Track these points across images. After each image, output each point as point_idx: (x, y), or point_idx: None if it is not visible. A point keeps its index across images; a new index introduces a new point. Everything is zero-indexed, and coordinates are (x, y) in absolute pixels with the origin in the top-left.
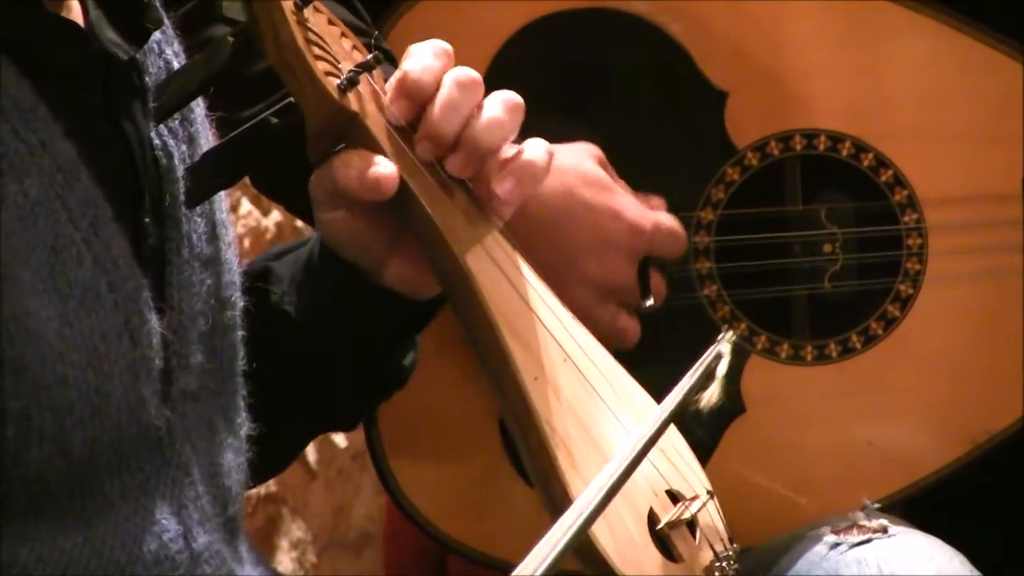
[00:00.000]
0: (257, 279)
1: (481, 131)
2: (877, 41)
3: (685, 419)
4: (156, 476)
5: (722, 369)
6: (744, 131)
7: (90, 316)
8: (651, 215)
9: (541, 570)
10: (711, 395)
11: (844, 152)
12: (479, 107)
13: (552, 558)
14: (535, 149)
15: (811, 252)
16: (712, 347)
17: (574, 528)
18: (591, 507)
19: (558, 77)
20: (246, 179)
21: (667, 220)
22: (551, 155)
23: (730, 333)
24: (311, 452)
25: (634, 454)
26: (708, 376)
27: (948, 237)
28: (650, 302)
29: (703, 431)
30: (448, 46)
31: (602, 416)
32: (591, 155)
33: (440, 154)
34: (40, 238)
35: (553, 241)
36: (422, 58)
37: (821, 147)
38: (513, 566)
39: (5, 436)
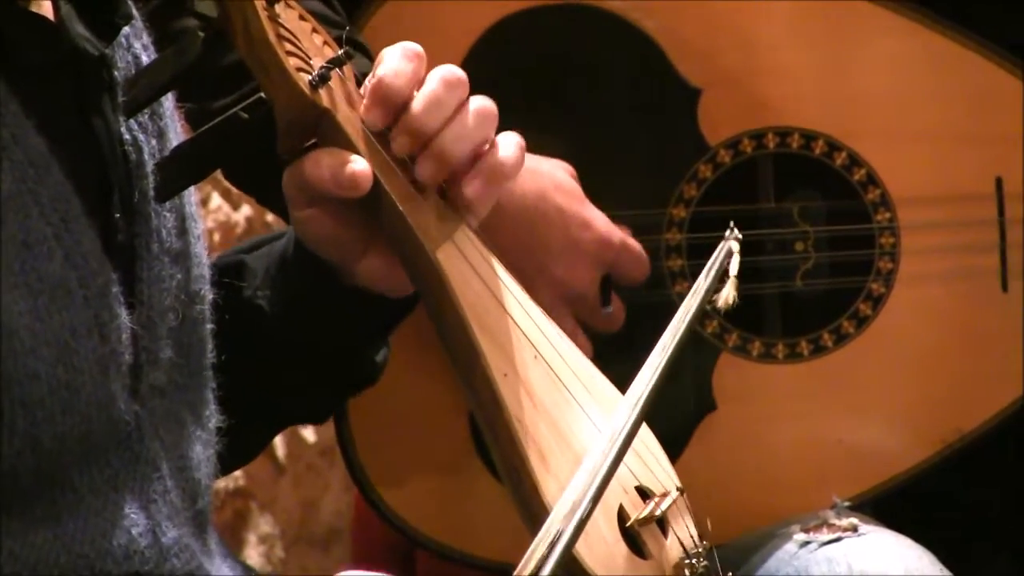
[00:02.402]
0: (230, 272)
1: (452, 141)
2: (851, 40)
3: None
4: (125, 471)
5: (735, 267)
6: (717, 128)
7: (60, 312)
8: (619, 232)
9: None
10: (727, 295)
11: (817, 150)
12: (460, 108)
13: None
14: (506, 146)
15: (783, 250)
16: (721, 244)
17: (569, 530)
18: (591, 493)
19: (531, 73)
20: (217, 173)
21: (634, 242)
22: (522, 149)
23: (736, 231)
24: (280, 447)
25: (639, 402)
26: (722, 276)
27: (921, 236)
28: (610, 310)
29: (673, 427)
30: (419, 48)
31: (572, 412)
32: (564, 168)
33: (416, 150)
34: (11, 233)
35: (523, 241)
36: (394, 63)
37: (794, 145)
38: (483, 562)
39: None
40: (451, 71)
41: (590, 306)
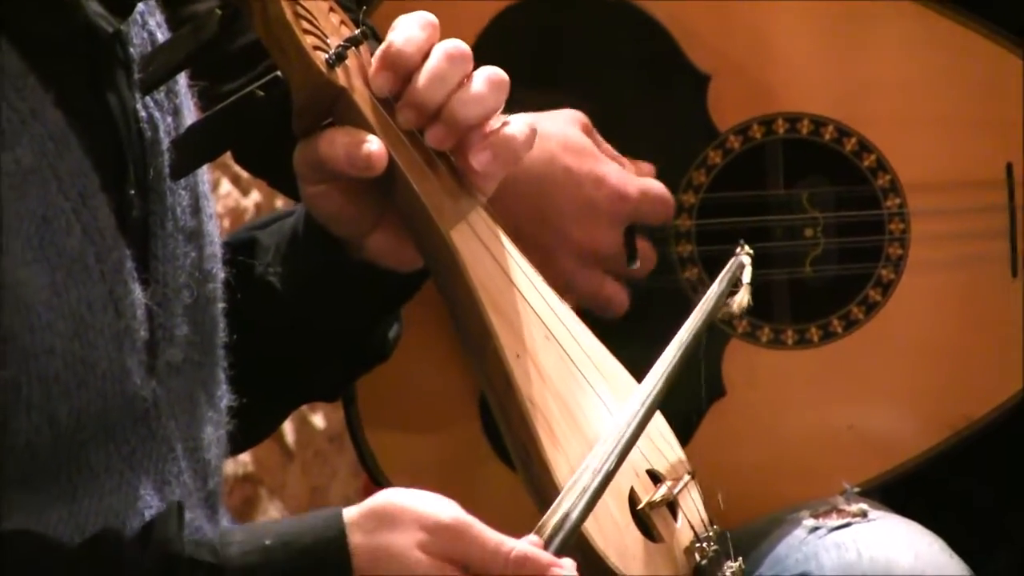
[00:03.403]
0: (242, 248)
1: (462, 105)
2: (861, 26)
3: (706, 358)
4: (141, 449)
5: (747, 276)
6: (727, 114)
7: (77, 286)
8: (636, 181)
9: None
10: (741, 300)
11: (827, 136)
12: (465, 80)
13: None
14: (516, 124)
15: (793, 236)
16: (733, 259)
17: (589, 492)
18: (602, 472)
19: (540, 61)
20: (227, 158)
21: (654, 186)
22: (533, 131)
23: (746, 247)
24: (289, 433)
25: (656, 385)
26: (735, 283)
27: (930, 223)
28: (636, 265)
29: (684, 412)
30: (434, 18)
31: (584, 394)
32: (576, 122)
33: (421, 124)
34: (31, 207)
35: (537, 208)
36: (407, 30)
37: (804, 131)
38: None
39: None
40: (454, 44)
41: (616, 262)
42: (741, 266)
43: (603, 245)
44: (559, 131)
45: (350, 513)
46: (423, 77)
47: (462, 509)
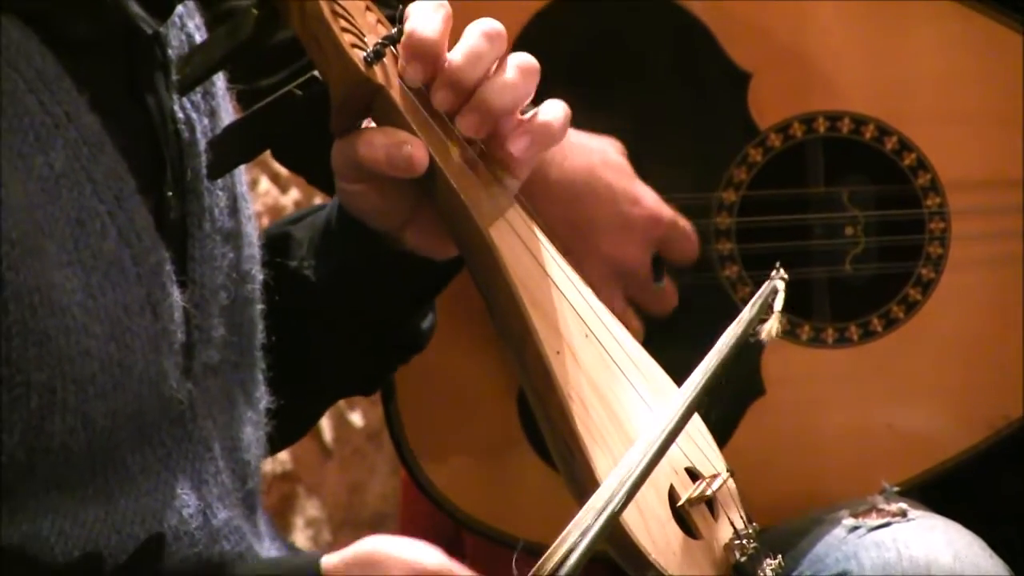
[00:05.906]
0: (276, 243)
1: (494, 91)
2: (902, 23)
3: (745, 358)
4: (177, 450)
5: (779, 303)
6: (767, 112)
7: (114, 289)
8: (669, 209)
9: (577, 554)
10: (771, 327)
11: (867, 135)
12: (497, 66)
13: (588, 540)
14: (552, 109)
15: (833, 235)
16: (767, 283)
17: (616, 500)
18: (637, 472)
19: (580, 58)
20: (265, 156)
21: (683, 220)
22: (567, 116)
23: (782, 271)
24: (327, 431)
25: (692, 394)
26: (767, 309)
27: (970, 222)
28: (661, 284)
29: (722, 411)
30: (444, 1)
31: (624, 392)
32: (614, 147)
33: (456, 105)
34: (65, 210)
35: (572, 216)
36: (422, 16)
37: (844, 129)
38: (530, 544)
39: (29, 407)
40: (490, 24)
41: (641, 283)
42: (775, 291)
43: (632, 262)
44: (601, 148)
45: (331, 560)
46: (460, 55)
47: (446, 556)
